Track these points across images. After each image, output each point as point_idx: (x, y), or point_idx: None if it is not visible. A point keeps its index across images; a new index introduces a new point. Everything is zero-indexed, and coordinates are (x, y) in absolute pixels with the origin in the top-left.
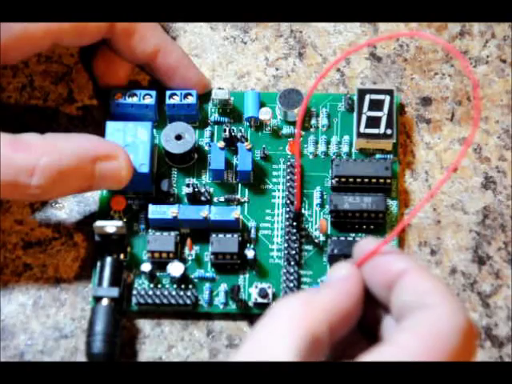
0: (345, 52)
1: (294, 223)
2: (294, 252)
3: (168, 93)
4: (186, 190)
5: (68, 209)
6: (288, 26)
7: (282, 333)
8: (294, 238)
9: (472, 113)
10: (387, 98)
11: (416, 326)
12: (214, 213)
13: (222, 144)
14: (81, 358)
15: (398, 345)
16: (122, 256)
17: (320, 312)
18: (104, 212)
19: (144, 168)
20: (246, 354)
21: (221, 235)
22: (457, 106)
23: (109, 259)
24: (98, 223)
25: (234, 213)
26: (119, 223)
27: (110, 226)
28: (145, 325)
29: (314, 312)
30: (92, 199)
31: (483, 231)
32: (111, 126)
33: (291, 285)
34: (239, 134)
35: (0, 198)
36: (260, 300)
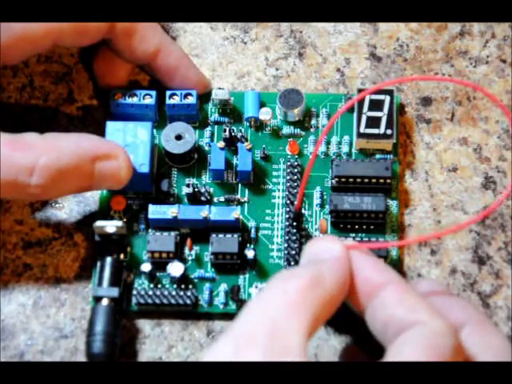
0: (349, 102)
1: (294, 223)
2: (293, 252)
3: (168, 93)
4: (185, 190)
5: (68, 209)
6: (288, 26)
7: (294, 315)
8: (294, 238)
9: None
10: (387, 98)
11: (416, 339)
12: (214, 213)
13: (222, 144)
14: (81, 358)
15: (403, 357)
16: (122, 256)
17: (327, 294)
18: (104, 212)
19: (144, 168)
20: (251, 321)
21: (221, 235)
22: (457, 106)
23: (109, 259)
24: (98, 223)
25: (234, 213)
26: (119, 223)
27: (110, 226)
28: (145, 325)
29: (323, 294)
30: (92, 199)
31: (483, 231)
32: (111, 126)
33: None
34: (239, 134)
35: (0, 197)
36: None
